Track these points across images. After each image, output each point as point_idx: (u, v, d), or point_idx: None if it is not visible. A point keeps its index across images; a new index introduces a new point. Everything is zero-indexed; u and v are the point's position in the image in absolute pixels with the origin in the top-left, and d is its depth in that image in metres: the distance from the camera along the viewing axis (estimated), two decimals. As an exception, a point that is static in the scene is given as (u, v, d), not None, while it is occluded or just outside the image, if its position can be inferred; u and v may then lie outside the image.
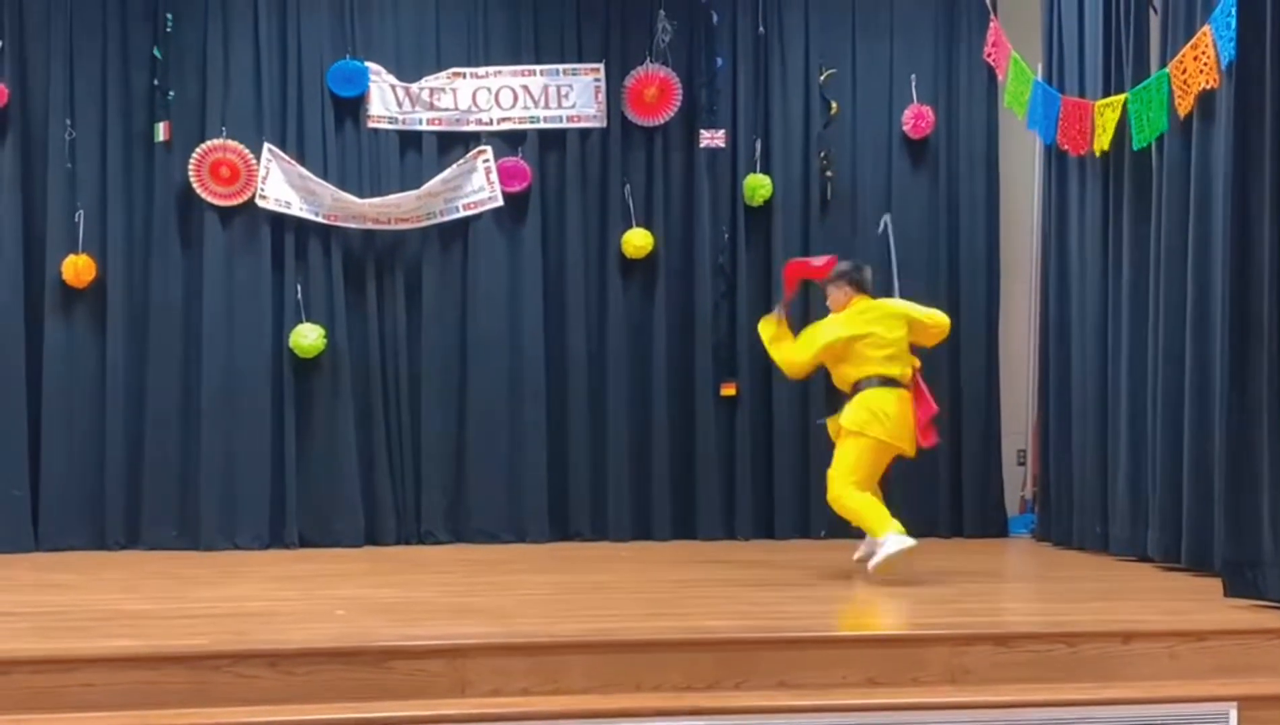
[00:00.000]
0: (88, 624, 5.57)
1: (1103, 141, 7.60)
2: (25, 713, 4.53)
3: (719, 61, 8.99)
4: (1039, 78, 8.47)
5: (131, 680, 4.62)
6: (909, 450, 6.97)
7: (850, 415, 6.83)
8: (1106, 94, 7.74)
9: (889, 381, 6.82)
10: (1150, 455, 7.33)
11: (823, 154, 9.02)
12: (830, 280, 7.15)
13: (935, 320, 7.08)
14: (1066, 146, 8.04)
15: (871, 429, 6.77)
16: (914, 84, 9.13)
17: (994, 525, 9.05)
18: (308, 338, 8.53)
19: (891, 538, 6.56)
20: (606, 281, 8.96)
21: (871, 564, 6.61)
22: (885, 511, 6.75)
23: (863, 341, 6.84)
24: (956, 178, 9.17)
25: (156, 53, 8.53)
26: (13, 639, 5.15)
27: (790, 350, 7.13)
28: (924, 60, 9.19)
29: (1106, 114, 7.58)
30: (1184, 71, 6.90)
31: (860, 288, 7.02)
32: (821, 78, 9.10)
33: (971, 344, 9.05)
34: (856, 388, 6.87)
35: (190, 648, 4.85)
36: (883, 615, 5.84)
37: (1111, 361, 7.80)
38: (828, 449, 8.43)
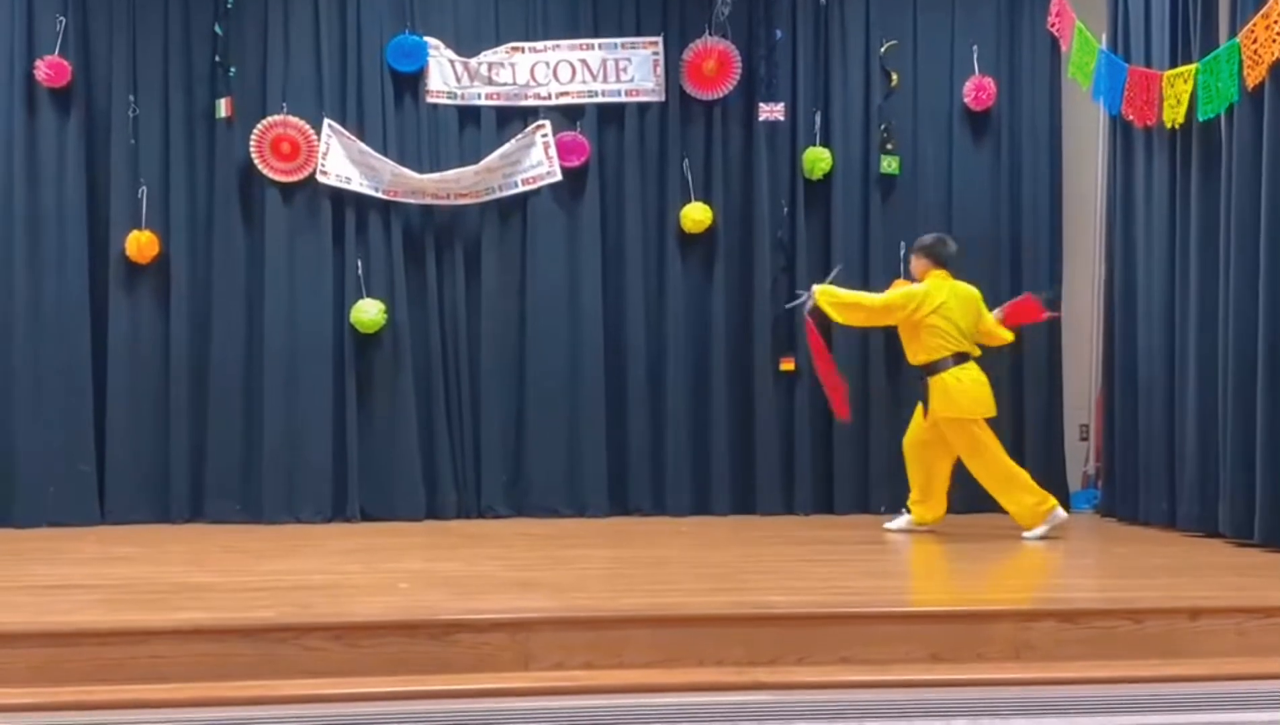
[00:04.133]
0: (155, 597, 5.63)
1: (1176, 114, 7.46)
2: (95, 684, 4.59)
3: (778, 33, 8.92)
4: (1104, 47, 8.34)
5: (199, 652, 4.68)
6: (992, 411, 7.14)
7: (943, 402, 6.88)
8: (1174, 64, 7.60)
9: (962, 357, 6.80)
10: (1221, 430, 7.22)
11: (883, 126, 8.95)
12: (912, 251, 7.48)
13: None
14: (1132, 118, 7.92)
15: (972, 412, 6.84)
16: (975, 55, 9.02)
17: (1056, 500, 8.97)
18: (369, 313, 8.57)
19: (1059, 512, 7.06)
20: (665, 256, 8.93)
21: (1036, 532, 6.98)
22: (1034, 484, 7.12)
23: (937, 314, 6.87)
24: (1019, 150, 9.06)
25: (218, 29, 8.58)
26: (82, 610, 5.23)
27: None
28: (986, 30, 9.08)
29: (1178, 85, 7.44)
30: (1255, 41, 6.77)
31: (938, 262, 7.06)
32: (882, 49, 9.01)
33: (1034, 318, 8.96)
34: (931, 368, 6.85)
35: (257, 620, 4.90)
36: (946, 591, 5.81)
37: (1179, 335, 7.69)
38: (887, 421, 8.47)
